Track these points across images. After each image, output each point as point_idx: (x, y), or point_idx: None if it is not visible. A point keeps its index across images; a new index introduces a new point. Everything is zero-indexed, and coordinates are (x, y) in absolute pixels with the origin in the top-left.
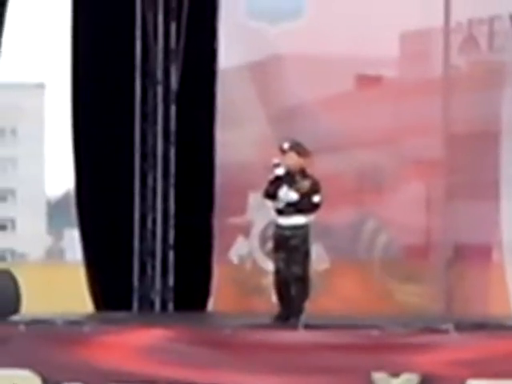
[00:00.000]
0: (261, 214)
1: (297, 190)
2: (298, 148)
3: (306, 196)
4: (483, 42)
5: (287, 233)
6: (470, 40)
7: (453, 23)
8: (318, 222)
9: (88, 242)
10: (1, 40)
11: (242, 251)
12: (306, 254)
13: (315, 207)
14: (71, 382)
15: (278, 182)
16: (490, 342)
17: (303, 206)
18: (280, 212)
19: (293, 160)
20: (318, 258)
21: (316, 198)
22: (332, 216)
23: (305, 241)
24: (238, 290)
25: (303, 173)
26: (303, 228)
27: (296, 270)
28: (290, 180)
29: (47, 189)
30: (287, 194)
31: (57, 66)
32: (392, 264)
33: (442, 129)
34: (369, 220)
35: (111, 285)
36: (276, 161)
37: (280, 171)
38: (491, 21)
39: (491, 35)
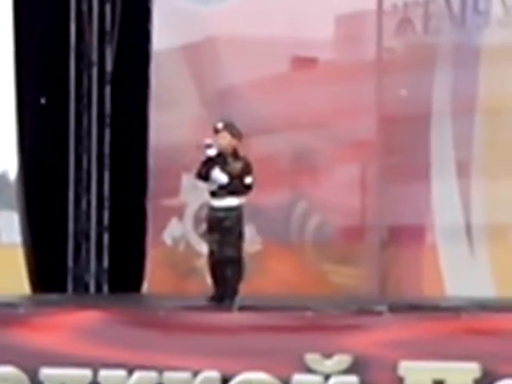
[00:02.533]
0: (194, 195)
1: (228, 173)
2: (231, 128)
3: (237, 178)
4: (419, 24)
5: (220, 214)
6: (406, 22)
7: (389, 6)
8: (250, 204)
9: (24, 224)
10: None
11: (176, 233)
12: (240, 236)
13: (247, 189)
14: (4, 365)
15: (210, 163)
16: (424, 323)
17: (235, 187)
18: (213, 194)
19: (225, 140)
20: (250, 240)
21: (248, 180)
22: (264, 198)
23: (238, 222)
24: (172, 271)
25: (235, 154)
26: (236, 210)
27: (230, 251)
28: (221, 161)
29: None
30: (218, 176)
31: None
32: (325, 246)
33: (376, 110)
34: (300, 202)
35: (46, 266)
36: (208, 141)
37: (212, 152)
38: (426, 3)
39: (426, 17)
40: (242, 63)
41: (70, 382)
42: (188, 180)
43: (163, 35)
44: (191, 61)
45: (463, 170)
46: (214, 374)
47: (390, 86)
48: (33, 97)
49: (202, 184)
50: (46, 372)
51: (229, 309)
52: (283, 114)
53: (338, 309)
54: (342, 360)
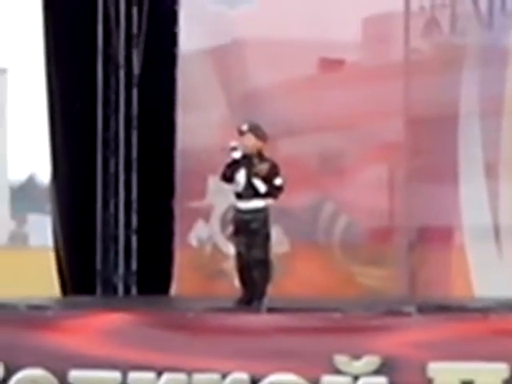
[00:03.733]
0: (221, 197)
1: (255, 174)
2: (256, 130)
3: (266, 179)
4: (446, 25)
5: (247, 216)
6: (433, 23)
7: (416, 7)
8: (278, 205)
9: (56, 226)
10: None
11: (202, 235)
12: (267, 237)
13: (278, 190)
14: (34, 367)
15: (235, 165)
16: (452, 324)
17: (266, 189)
18: (239, 196)
19: (251, 142)
20: (278, 241)
21: (278, 181)
22: (292, 199)
23: (265, 224)
24: (200, 273)
25: (261, 156)
26: (263, 211)
27: (257, 253)
28: (247, 163)
29: (10, 173)
30: (246, 178)
31: (19, 52)
32: (353, 247)
33: (403, 112)
34: (328, 203)
35: (75, 269)
36: (233, 144)
37: (237, 154)
38: (453, 4)
39: (454, 18)
40: (269, 65)
41: None
42: (214, 182)
43: (190, 38)
44: (218, 63)
45: (491, 170)
46: (243, 376)
47: (417, 87)
48: (61, 101)
49: (226, 186)
50: (75, 374)
51: (257, 310)
52: (310, 115)
53: (367, 310)
54: (371, 361)
